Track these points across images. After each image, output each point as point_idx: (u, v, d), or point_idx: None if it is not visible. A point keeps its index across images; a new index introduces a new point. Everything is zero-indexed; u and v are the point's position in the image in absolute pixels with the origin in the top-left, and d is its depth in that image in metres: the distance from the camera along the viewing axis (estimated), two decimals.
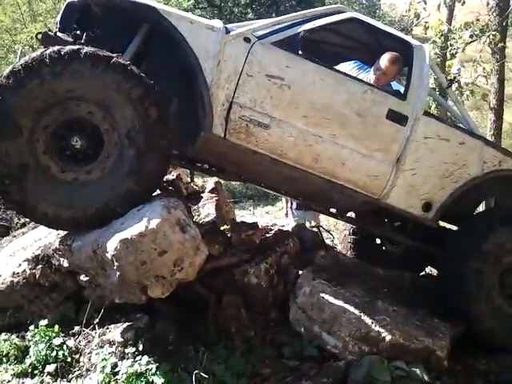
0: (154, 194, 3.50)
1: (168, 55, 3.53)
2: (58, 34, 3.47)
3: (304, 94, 3.62)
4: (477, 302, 3.70)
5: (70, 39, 3.43)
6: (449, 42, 8.02)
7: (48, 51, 3.00)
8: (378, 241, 5.23)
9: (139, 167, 3.18)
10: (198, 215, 4.49)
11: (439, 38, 8.18)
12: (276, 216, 8.14)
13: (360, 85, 3.77)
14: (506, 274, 3.84)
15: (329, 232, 5.34)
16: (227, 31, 3.52)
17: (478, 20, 7.93)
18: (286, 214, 6.61)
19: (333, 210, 4.44)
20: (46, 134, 3.11)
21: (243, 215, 8.26)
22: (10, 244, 4.24)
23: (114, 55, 3.12)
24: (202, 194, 4.87)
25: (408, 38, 4.17)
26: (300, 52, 3.71)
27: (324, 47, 4.68)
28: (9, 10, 18.89)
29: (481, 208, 5.03)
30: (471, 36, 7.66)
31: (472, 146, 3.95)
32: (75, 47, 3.06)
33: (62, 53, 3.00)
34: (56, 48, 3.03)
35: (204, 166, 4.11)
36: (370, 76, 4.06)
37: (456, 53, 7.87)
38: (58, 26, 3.56)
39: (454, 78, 4.25)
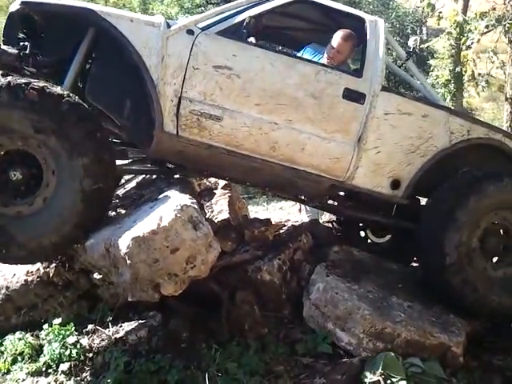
0: (167, 192, 3.52)
1: (116, 56, 3.46)
2: (3, 46, 3.44)
3: (254, 81, 3.54)
4: (483, 299, 3.62)
5: (15, 51, 3.41)
6: (464, 33, 7.92)
7: None
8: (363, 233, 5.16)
9: (69, 144, 3.11)
10: (211, 212, 4.48)
11: (454, 29, 8.08)
12: (290, 212, 8.09)
13: (312, 66, 3.68)
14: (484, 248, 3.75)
15: None
16: (169, 26, 3.46)
17: (493, 9, 7.82)
18: (300, 210, 6.58)
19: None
20: None
21: (257, 211, 8.24)
22: None
23: None
24: (214, 191, 4.86)
25: (361, 13, 4.08)
26: (250, 39, 3.63)
27: (282, 32, 4.63)
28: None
29: None
30: (487, 26, 7.55)
31: (436, 118, 3.86)
32: None
33: None
34: None
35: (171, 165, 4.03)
36: (324, 57, 4.00)
37: (471, 43, 7.77)
38: (3, 38, 3.55)
39: (413, 49, 4.11)
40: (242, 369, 3.11)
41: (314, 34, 4.52)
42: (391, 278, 3.96)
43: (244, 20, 3.57)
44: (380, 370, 3.08)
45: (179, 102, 3.46)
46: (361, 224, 5.06)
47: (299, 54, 4.17)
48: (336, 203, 4.59)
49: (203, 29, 3.51)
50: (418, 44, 4.14)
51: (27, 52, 3.42)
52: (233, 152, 3.60)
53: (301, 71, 3.62)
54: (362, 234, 5.12)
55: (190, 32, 3.47)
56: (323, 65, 3.78)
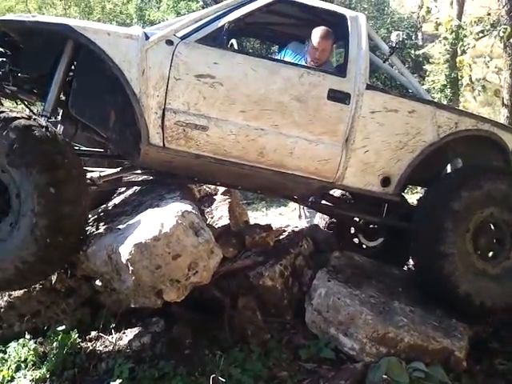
0: (167, 198, 3.52)
1: (97, 70, 3.41)
2: None
3: (238, 88, 3.51)
4: (476, 297, 3.61)
5: None
6: (459, 38, 7.97)
7: None
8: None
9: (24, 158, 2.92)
10: (212, 218, 4.49)
11: (450, 34, 8.13)
12: (289, 217, 8.09)
13: (295, 69, 3.65)
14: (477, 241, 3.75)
15: None
16: (147, 37, 3.41)
17: (488, 15, 7.86)
18: (300, 216, 6.58)
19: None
20: None
21: (256, 217, 8.22)
22: None
23: None
24: (214, 197, 4.86)
25: (342, 9, 4.04)
26: (232, 42, 3.65)
27: (265, 28, 4.66)
28: None
29: None
30: (482, 31, 7.60)
31: (423, 113, 3.86)
32: None
33: None
34: None
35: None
36: (307, 58, 4.00)
37: (467, 48, 7.81)
38: None
39: (396, 44, 4.10)
40: (245, 374, 3.11)
41: (299, 30, 4.48)
42: (392, 283, 3.97)
43: (223, 26, 3.53)
44: (384, 375, 3.08)
45: (163, 113, 3.42)
46: (352, 227, 5.07)
47: (280, 56, 4.18)
48: (331, 204, 4.65)
49: (182, 38, 3.46)
50: (400, 39, 4.13)
51: (6, 70, 3.39)
52: (221, 160, 3.58)
53: (284, 75, 3.59)
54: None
55: (169, 42, 3.43)
56: (306, 67, 3.77)
